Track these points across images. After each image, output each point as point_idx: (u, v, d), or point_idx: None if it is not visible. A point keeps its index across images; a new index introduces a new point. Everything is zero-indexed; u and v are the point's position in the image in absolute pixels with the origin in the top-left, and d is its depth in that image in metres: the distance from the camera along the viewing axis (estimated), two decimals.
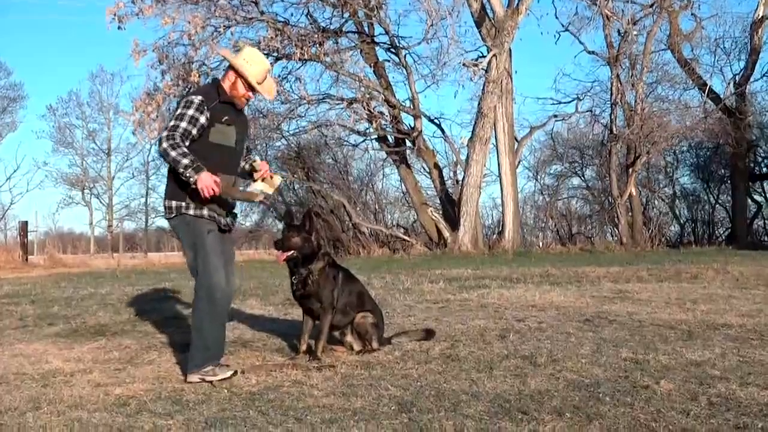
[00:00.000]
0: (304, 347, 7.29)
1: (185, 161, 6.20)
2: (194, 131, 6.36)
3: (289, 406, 5.56)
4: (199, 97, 6.44)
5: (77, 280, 16.90)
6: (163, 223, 56.84)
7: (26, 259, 27.82)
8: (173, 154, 6.22)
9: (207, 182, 6.21)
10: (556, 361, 6.77)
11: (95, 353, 7.90)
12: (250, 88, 6.62)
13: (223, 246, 6.62)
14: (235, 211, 6.95)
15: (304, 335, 7.37)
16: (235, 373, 6.43)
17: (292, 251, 7.09)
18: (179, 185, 6.39)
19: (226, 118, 6.52)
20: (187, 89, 23.28)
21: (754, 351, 7.12)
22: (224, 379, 6.30)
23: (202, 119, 6.38)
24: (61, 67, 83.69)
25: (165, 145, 6.26)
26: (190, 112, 6.35)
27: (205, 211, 6.46)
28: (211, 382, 6.25)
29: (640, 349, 7.22)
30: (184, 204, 6.44)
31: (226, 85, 6.63)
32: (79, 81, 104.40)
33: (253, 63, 6.60)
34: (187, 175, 6.21)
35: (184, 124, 6.32)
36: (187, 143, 6.31)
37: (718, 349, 7.20)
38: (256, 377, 6.47)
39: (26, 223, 30.84)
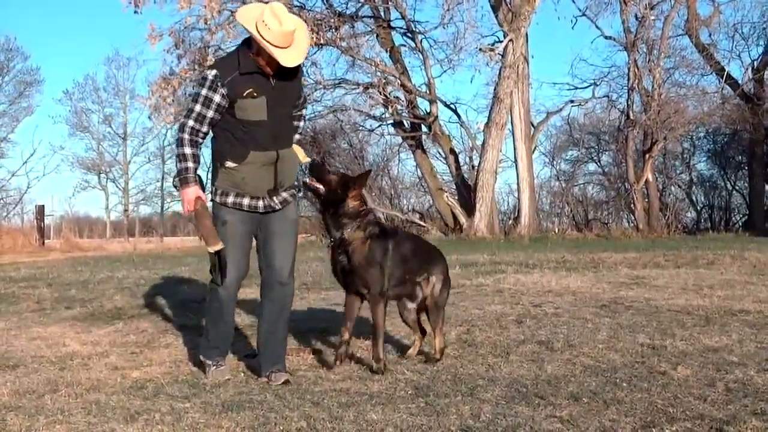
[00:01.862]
0: (346, 336, 6.24)
1: (179, 166, 5.81)
2: (210, 114, 5.75)
3: (305, 389, 5.58)
4: (213, 72, 5.76)
5: (94, 264, 16.96)
6: (179, 207, 56.99)
7: (43, 243, 27.96)
8: (177, 151, 5.87)
9: (186, 198, 5.79)
10: (572, 347, 6.77)
11: (112, 336, 7.94)
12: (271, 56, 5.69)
13: (267, 231, 5.99)
14: (296, 183, 6.12)
15: (347, 323, 6.26)
16: (228, 379, 5.95)
17: (320, 186, 6.06)
18: (213, 169, 6.05)
19: (250, 90, 5.72)
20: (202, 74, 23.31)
21: None
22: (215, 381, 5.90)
23: (217, 98, 5.71)
24: (78, 51, 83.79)
25: (178, 136, 5.86)
26: (203, 91, 5.73)
27: (230, 199, 5.88)
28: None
29: (657, 335, 7.21)
30: (214, 189, 5.95)
31: (253, 51, 5.77)
32: (95, 65, 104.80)
33: (271, 25, 5.61)
34: (174, 184, 5.91)
35: (197, 108, 5.74)
36: (205, 128, 5.81)
37: (735, 335, 7.18)
38: None
39: (43, 207, 31.05)
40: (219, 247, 5.74)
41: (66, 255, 22.43)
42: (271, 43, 5.61)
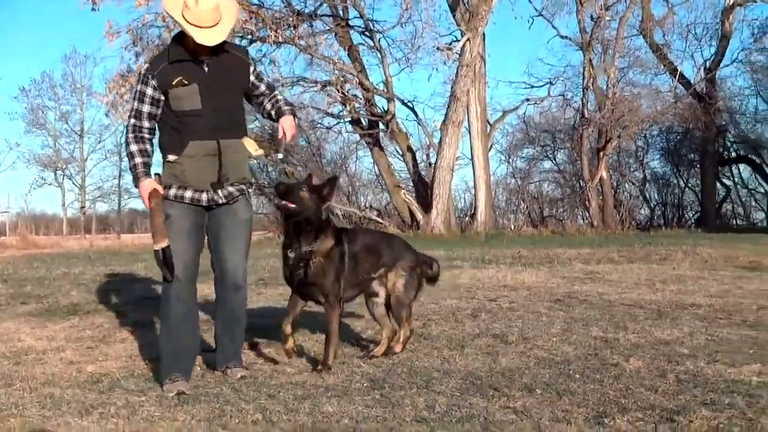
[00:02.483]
0: (288, 330, 6.06)
1: (129, 165, 5.67)
2: (146, 108, 5.62)
3: (262, 382, 5.59)
4: (145, 66, 5.69)
5: (50, 261, 16.78)
6: (136, 204, 56.58)
7: None
8: (126, 151, 5.70)
9: (142, 193, 5.60)
10: (527, 340, 6.83)
11: (68, 332, 7.89)
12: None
13: (217, 231, 5.82)
14: (246, 177, 5.89)
15: (288, 318, 6.09)
16: (179, 393, 5.37)
17: (294, 206, 5.83)
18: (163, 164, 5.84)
19: (179, 78, 5.54)
20: None
21: (722, 330, 7.23)
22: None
23: (149, 91, 5.58)
24: (34, 48, 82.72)
25: (125, 136, 5.73)
26: (138, 87, 5.63)
27: (171, 191, 5.66)
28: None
29: (610, 328, 7.31)
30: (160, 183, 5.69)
31: (185, 39, 5.58)
32: (52, 62, 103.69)
33: (189, 5, 5.41)
34: (133, 183, 5.71)
35: (135, 104, 5.63)
36: (146, 123, 5.63)
37: (686, 328, 7.29)
38: None
39: None
40: (164, 244, 5.49)
41: (22, 252, 22.16)
42: (191, 23, 5.42)
